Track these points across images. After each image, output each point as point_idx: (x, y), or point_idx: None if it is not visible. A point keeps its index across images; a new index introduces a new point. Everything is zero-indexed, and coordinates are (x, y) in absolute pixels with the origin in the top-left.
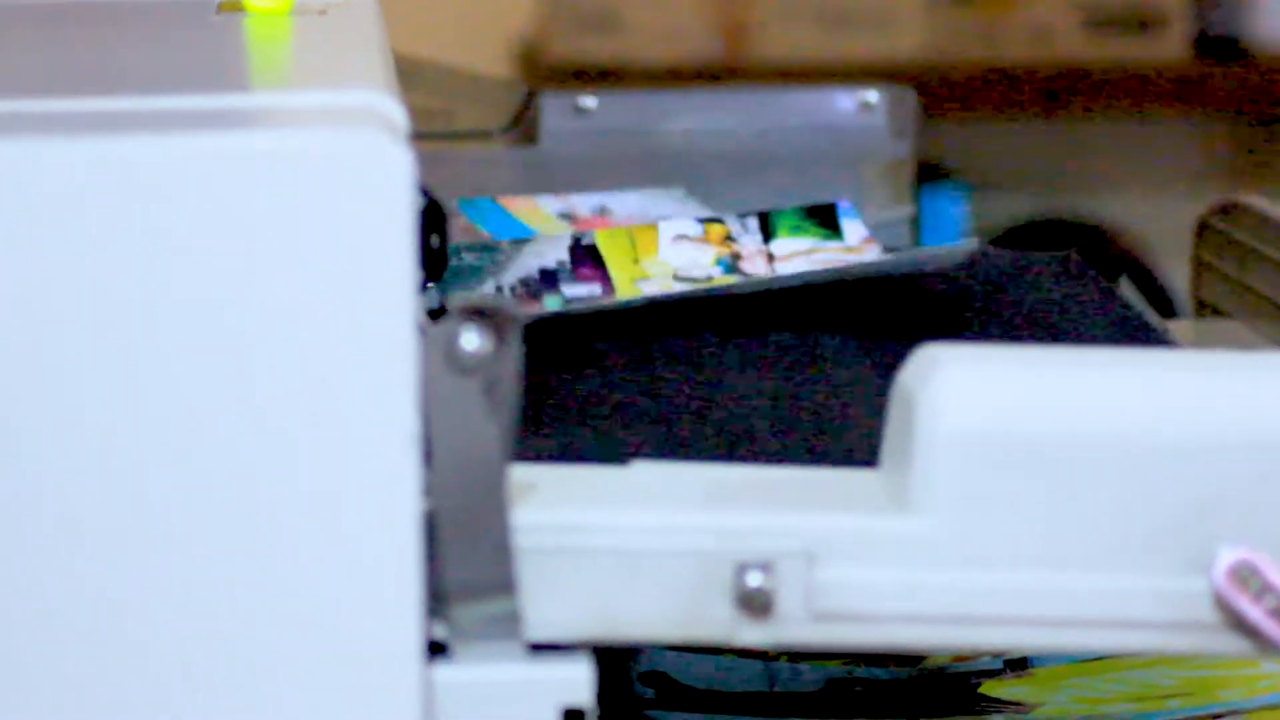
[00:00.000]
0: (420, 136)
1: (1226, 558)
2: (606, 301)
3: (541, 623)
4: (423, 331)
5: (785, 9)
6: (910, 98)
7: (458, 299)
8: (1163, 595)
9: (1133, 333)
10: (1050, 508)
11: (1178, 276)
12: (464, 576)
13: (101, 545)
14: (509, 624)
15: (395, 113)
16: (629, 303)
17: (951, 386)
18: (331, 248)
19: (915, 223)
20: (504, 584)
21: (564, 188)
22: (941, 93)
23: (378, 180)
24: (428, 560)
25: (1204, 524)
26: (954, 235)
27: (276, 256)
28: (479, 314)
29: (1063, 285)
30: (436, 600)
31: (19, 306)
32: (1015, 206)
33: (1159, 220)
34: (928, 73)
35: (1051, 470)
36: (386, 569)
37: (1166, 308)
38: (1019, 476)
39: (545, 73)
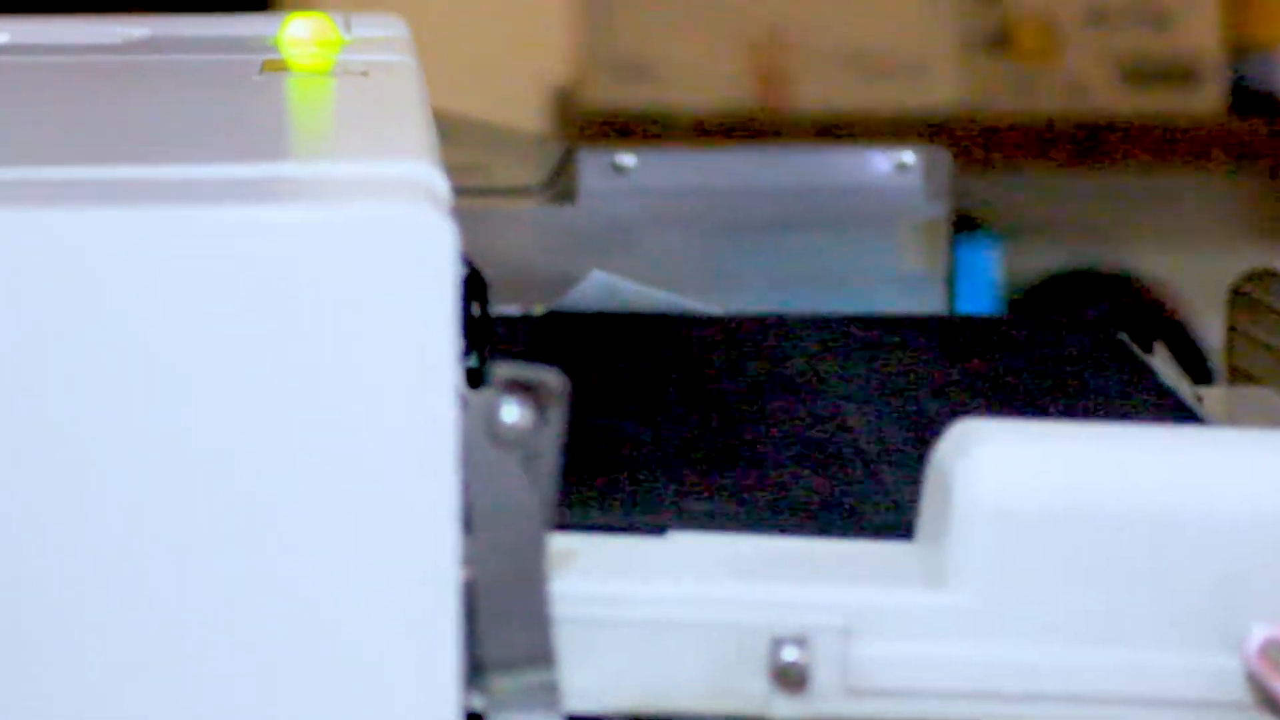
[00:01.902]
0: (458, 192)
1: (1258, 636)
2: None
3: (577, 693)
4: (464, 402)
5: (820, 58)
6: (946, 158)
7: (500, 371)
8: (1195, 673)
9: (1166, 407)
10: (1085, 584)
11: (1211, 330)
12: (502, 647)
13: (138, 616)
14: (547, 694)
15: (438, 183)
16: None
17: (988, 462)
18: (373, 320)
19: (950, 282)
20: (543, 654)
21: (601, 246)
22: (976, 144)
23: (421, 254)
24: (466, 630)
25: (1237, 602)
26: (987, 286)
27: (317, 328)
28: (520, 387)
29: (1096, 355)
30: (474, 670)
31: (51, 380)
32: (1049, 258)
33: (1193, 273)
34: (962, 124)
35: (1086, 547)
36: (425, 638)
37: (1201, 370)
38: (1054, 552)
39: (580, 121)
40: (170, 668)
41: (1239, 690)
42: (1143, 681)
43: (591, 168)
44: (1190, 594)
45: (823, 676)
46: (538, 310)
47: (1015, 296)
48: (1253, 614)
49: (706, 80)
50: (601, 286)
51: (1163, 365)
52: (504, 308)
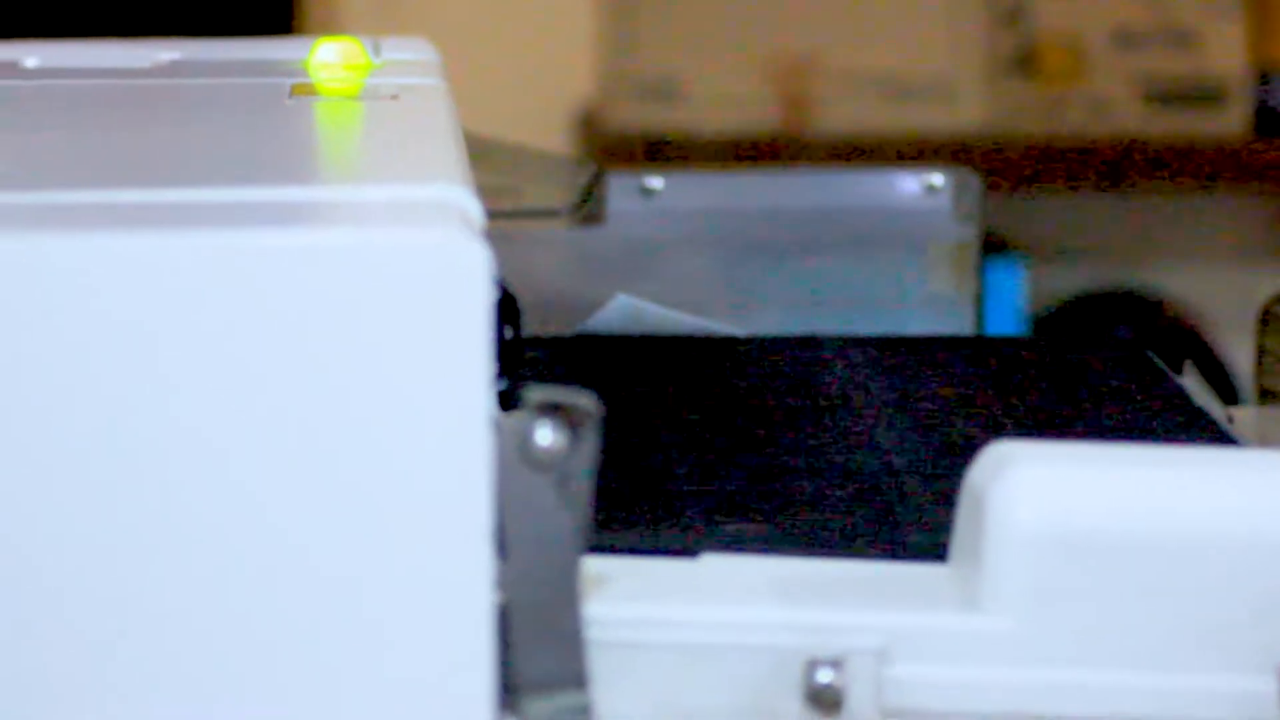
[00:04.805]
0: (487, 215)
1: None
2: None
3: (611, 716)
4: (497, 426)
5: (846, 81)
6: (974, 181)
7: (532, 394)
8: (1230, 696)
9: (1198, 428)
10: (1120, 606)
11: (1239, 349)
12: (536, 670)
13: (169, 654)
14: (581, 718)
15: (471, 207)
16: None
17: (1022, 485)
18: (407, 344)
19: (978, 303)
20: (577, 677)
21: (629, 268)
22: (1001, 165)
23: (455, 278)
24: (500, 653)
25: (1272, 624)
26: (1014, 308)
27: (350, 352)
28: (553, 409)
29: (1126, 376)
30: (508, 693)
31: (79, 406)
32: (1075, 279)
33: (1219, 294)
34: (988, 146)
35: (1121, 569)
36: (458, 662)
37: (1229, 391)
38: (1089, 575)
39: (605, 142)
40: (206, 689)
41: (1274, 713)
42: (1177, 704)
43: (620, 190)
44: (1224, 616)
45: (857, 699)
46: (564, 333)
47: (1042, 317)
48: None
49: (732, 103)
50: (625, 309)
51: (1193, 385)
52: (531, 329)
